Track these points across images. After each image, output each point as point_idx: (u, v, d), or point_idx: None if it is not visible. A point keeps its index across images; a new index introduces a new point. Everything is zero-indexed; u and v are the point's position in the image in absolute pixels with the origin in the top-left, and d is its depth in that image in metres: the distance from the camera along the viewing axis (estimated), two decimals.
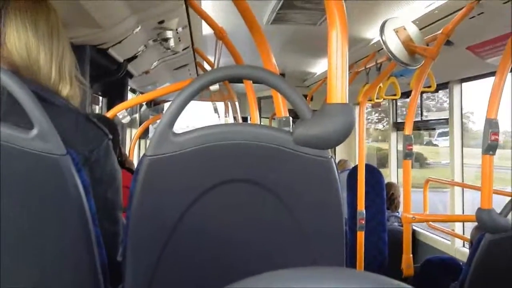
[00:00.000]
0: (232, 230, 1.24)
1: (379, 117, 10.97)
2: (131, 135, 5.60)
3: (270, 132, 1.21)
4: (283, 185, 1.22)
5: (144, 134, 5.35)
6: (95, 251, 1.24)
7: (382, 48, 3.27)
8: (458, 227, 4.73)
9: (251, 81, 2.66)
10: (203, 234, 1.24)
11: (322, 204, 1.24)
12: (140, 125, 5.43)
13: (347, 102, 1.19)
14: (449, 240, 4.84)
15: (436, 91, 4.55)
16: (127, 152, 4.96)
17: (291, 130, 1.22)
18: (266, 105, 7.48)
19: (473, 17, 2.91)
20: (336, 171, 1.23)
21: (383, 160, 7.46)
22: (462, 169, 4.73)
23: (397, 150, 6.17)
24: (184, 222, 1.21)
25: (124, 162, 3.23)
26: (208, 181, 1.21)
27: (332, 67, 1.18)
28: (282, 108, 2.16)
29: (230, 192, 1.21)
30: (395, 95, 4.56)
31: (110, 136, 1.43)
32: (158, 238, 1.21)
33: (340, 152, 7.45)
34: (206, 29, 3.74)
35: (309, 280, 0.47)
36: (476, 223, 3.75)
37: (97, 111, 4.25)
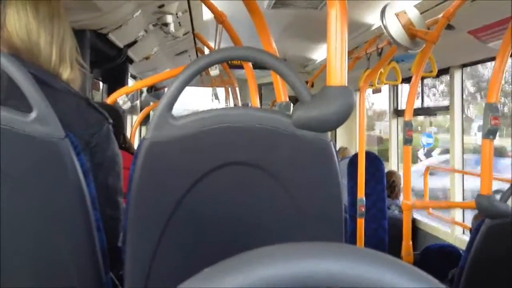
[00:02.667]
0: (231, 213, 1.24)
1: None
2: (131, 122, 5.60)
3: (269, 115, 1.21)
4: (282, 167, 1.22)
5: (145, 121, 5.34)
6: (95, 236, 1.24)
7: (383, 33, 3.25)
8: (458, 215, 4.74)
9: (252, 67, 2.65)
10: (202, 217, 1.23)
11: (321, 186, 1.23)
12: (141, 111, 5.43)
13: (346, 84, 1.19)
14: (449, 228, 4.84)
15: (437, 76, 4.53)
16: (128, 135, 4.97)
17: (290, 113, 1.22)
18: (266, 92, 7.47)
19: (474, 0, 2.89)
20: (335, 154, 1.23)
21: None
22: (463, 156, 4.72)
23: (397, 137, 6.16)
24: (184, 205, 1.20)
25: (128, 148, 3.22)
26: (208, 164, 1.20)
27: (332, 49, 1.17)
28: (282, 93, 2.16)
29: (229, 175, 1.21)
30: (396, 80, 4.55)
31: (111, 121, 1.43)
32: (158, 222, 1.21)
33: (341, 140, 7.44)
34: (207, 14, 3.72)
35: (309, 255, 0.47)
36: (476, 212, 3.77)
37: (97, 97, 4.25)
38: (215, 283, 0.46)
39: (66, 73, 1.43)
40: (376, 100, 9.42)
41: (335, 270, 0.46)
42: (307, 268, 0.46)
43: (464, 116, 4.70)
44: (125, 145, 3.07)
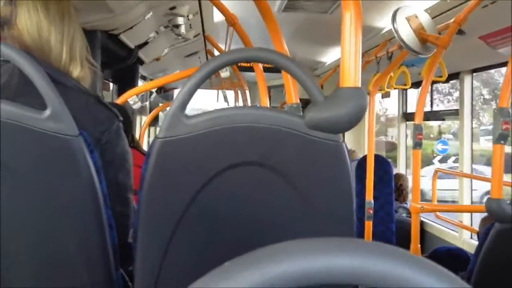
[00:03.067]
0: (242, 212, 1.24)
1: None
2: (141, 123, 5.62)
3: (281, 116, 1.21)
4: (294, 168, 1.22)
5: (154, 121, 5.36)
6: (106, 232, 1.24)
7: (394, 37, 3.25)
8: (466, 219, 4.72)
9: (262, 69, 2.66)
10: (213, 216, 1.24)
11: (332, 187, 1.24)
12: (150, 112, 5.44)
13: (360, 86, 1.19)
14: (457, 232, 4.83)
15: (447, 81, 4.53)
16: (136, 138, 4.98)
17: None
18: (275, 95, 7.48)
19: (485, 6, 2.89)
20: (347, 155, 1.23)
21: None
22: (472, 161, 4.71)
23: (406, 140, 6.15)
24: (195, 204, 1.21)
25: (136, 147, 3.24)
26: (219, 164, 1.21)
27: (345, 50, 1.18)
28: (293, 95, 2.16)
29: (241, 175, 1.21)
30: (405, 85, 4.54)
31: (121, 118, 1.43)
32: (169, 220, 1.22)
33: (349, 142, 7.43)
34: (218, 16, 3.73)
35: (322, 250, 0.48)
36: (483, 215, 3.76)
37: (107, 97, 4.27)
38: (231, 281, 0.46)
39: (76, 71, 1.44)
40: (390, 106, 9.41)
41: (356, 266, 0.46)
42: (328, 264, 0.46)
43: (479, 123, 4.69)
44: (133, 144, 3.09)
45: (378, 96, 5.17)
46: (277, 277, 0.46)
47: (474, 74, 4.68)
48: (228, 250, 1.25)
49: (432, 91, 5.45)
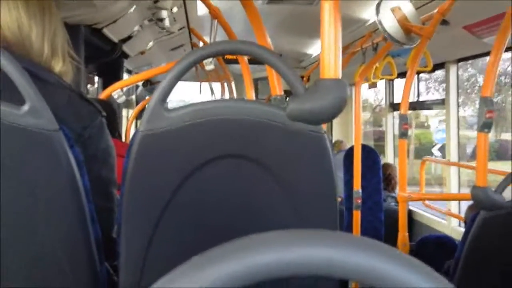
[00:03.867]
0: (225, 204, 1.24)
1: None
2: (127, 115, 5.60)
3: (263, 108, 1.21)
4: (276, 160, 1.22)
5: (140, 115, 5.34)
6: (89, 228, 1.24)
7: (378, 28, 3.25)
8: (454, 207, 4.75)
9: (247, 61, 2.65)
10: (196, 209, 1.24)
11: (315, 177, 1.24)
12: (136, 105, 5.42)
13: (340, 77, 1.19)
14: (445, 220, 4.86)
15: (433, 71, 4.54)
16: (123, 132, 4.97)
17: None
18: (263, 87, 7.48)
19: None
20: (329, 146, 1.23)
21: None
22: (458, 149, 4.73)
23: (393, 130, 6.17)
24: (178, 197, 1.21)
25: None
26: (201, 157, 1.21)
27: (325, 41, 1.17)
28: (277, 87, 2.16)
29: (223, 167, 1.22)
30: (391, 75, 4.55)
31: (104, 114, 1.43)
32: (152, 214, 1.22)
33: (337, 133, 7.45)
34: (202, 9, 3.72)
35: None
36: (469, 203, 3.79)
37: (92, 91, 4.25)
38: (207, 270, 0.46)
39: (58, 66, 1.44)
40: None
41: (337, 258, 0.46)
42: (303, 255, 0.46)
43: (475, 111, 4.70)
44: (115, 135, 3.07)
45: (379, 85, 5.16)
46: (232, 275, 0.46)
47: (470, 61, 4.68)
48: (211, 242, 1.25)
49: (418, 81, 5.46)
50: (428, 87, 7.80)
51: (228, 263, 0.47)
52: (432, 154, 9.50)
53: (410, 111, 4.15)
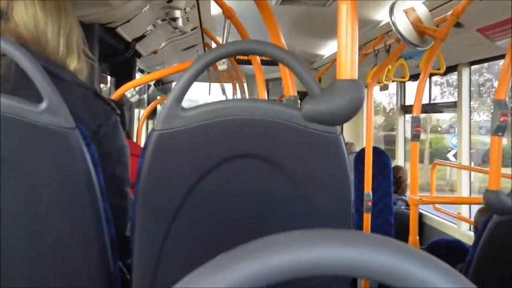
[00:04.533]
0: (240, 204, 1.24)
1: None
2: (139, 116, 5.61)
3: (278, 108, 1.21)
4: (291, 160, 1.22)
5: (152, 115, 5.35)
6: (103, 226, 1.25)
7: (391, 30, 3.25)
8: (464, 210, 4.73)
9: (259, 62, 2.65)
10: (210, 209, 1.24)
11: (329, 179, 1.24)
12: (148, 105, 5.43)
13: (356, 78, 1.19)
14: (456, 224, 4.84)
15: (445, 73, 4.52)
16: (135, 132, 4.98)
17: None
18: (274, 87, 7.47)
19: None
20: (344, 148, 1.23)
21: None
22: (470, 152, 4.71)
23: (404, 134, 6.15)
24: (192, 196, 1.21)
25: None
26: (216, 156, 1.21)
27: (342, 42, 1.17)
28: (290, 87, 2.16)
29: (238, 167, 1.22)
30: (403, 77, 4.54)
31: (119, 112, 1.43)
32: (166, 213, 1.22)
33: (347, 135, 7.43)
34: (215, 9, 3.72)
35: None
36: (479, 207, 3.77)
37: (105, 90, 4.26)
38: (227, 272, 0.46)
39: (73, 64, 1.44)
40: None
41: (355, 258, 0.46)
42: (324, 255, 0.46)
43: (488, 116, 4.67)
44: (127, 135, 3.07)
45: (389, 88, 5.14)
46: (256, 274, 0.46)
47: (485, 66, 4.66)
48: (225, 242, 1.26)
49: (430, 84, 5.45)
50: (443, 91, 7.76)
51: (250, 263, 0.46)
52: (447, 159, 9.44)
53: (424, 115, 4.13)
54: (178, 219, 1.21)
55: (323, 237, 0.48)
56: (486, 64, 4.67)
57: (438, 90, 7.66)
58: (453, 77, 4.72)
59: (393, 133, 6.35)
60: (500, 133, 2.30)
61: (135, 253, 1.25)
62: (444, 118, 10.51)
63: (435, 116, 9.76)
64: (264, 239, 0.49)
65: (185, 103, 1.22)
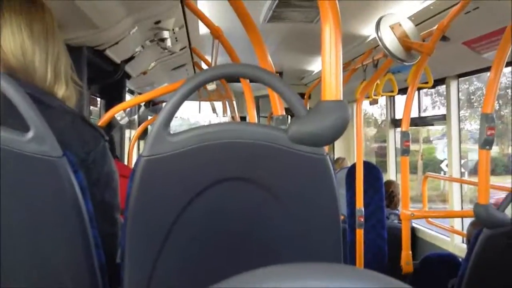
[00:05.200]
0: (229, 228, 1.25)
1: None
2: (130, 136, 5.61)
3: (265, 130, 1.22)
4: (279, 182, 1.23)
5: (143, 135, 5.35)
6: (93, 253, 1.24)
7: (379, 45, 3.27)
8: (457, 223, 4.74)
9: (248, 80, 2.66)
10: (200, 233, 1.24)
11: (317, 201, 1.24)
12: (139, 126, 5.43)
13: (342, 99, 1.20)
14: (449, 237, 4.85)
15: (433, 87, 4.55)
16: (126, 153, 4.98)
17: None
18: (264, 104, 7.49)
19: (468, 12, 2.92)
20: (331, 168, 1.23)
21: None
22: (460, 165, 4.73)
23: (395, 147, 6.17)
24: (181, 221, 1.21)
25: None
26: (205, 180, 1.21)
27: (326, 64, 1.18)
28: (279, 107, 2.17)
29: (226, 191, 1.22)
30: (392, 91, 4.57)
31: (107, 138, 1.43)
32: (156, 239, 1.22)
33: (339, 150, 7.45)
34: (203, 29, 3.74)
35: (301, 277, 0.48)
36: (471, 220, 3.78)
37: (95, 112, 4.26)
38: None
39: (61, 91, 1.44)
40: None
41: None
42: None
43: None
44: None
45: (381, 100, 5.16)
46: None
47: (476, 75, 4.70)
48: (215, 266, 1.26)
49: (419, 96, 5.48)
50: (434, 101, 7.81)
51: None
52: (441, 169, 9.44)
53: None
54: (168, 244, 1.22)
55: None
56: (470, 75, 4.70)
57: (429, 100, 7.72)
58: (443, 86, 4.75)
59: (386, 144, 6.37)
60: (487, 147, 2.32)
61: (124, 278, 1.25)
62: (436, 128, 10.56)
63: (427, 126, 9.82)
64: (256, 271, 0.50)
65: (175, 121, 1.22)
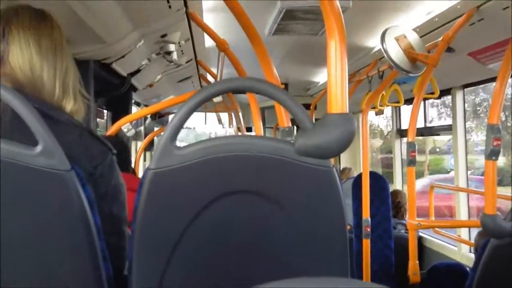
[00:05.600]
0: (237, 241, 1.25)
1: None
2: (136, 148, 5.63)
3: (271, 143, 1.23)
4: (285, 195, 1.23)
5: (149, 146, 5.37)
6: (101, 266, 1.25)
7: (384, 56, 3.28)
8: (464, 232, 4.73)
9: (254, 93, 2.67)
10: (208, 245, 1.25)
11: (324, 213, 1.25)
12: (145, 137, 5.45)
13: (348, 111, 1.20)
14: (456, 246, 4.83)
15: (439, 97, 4.56)
16: (132, 164, 4.99)
17: (293, 140, 1.23)
18: (270, 115, 7.50)
19: (473, 23, 2.93)
20: (338, 180, 1.24)
21: None
22: (467, 175, 4.72)
23: (401, 157, 6.17)
24: (189, 234, 1.22)
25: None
26: (212, 193, 1.22)
27: (332, 77, 1.19)
28: (284, 118, 2.18)
29: (233, 203, 1.23)
30: (398, 102, 4.57)
31: (115, 151, 1.44)
32: (163, 251, 1.23)
33: (345, 160, 7.45)
34: (209, 42, 3.76)
35: None
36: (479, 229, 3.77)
37: (102, 125, 4.28)
38: None
39: (69, 106, 1.45)
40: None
41: None
42: None
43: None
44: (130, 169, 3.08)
45: (386, 111, 5.16)
46: None
47: (481, 86, 4.70)
48: (223, 278, 1.27)
49: (425, 107, 5.48)
50: (440, 113, 7.80)
51: None
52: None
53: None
54: (175, 257, 1.22)
55: None
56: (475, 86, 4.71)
57: (435, 112, 7.72)
58: (449, 97, 4.75)
59: (392, 155, 6.38)
60: (494, 157, 2.32)
61: None
62: (442, 139, 10.54)
63: (433, 137, 9.81)
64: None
65: (182, 132, 1.24)
